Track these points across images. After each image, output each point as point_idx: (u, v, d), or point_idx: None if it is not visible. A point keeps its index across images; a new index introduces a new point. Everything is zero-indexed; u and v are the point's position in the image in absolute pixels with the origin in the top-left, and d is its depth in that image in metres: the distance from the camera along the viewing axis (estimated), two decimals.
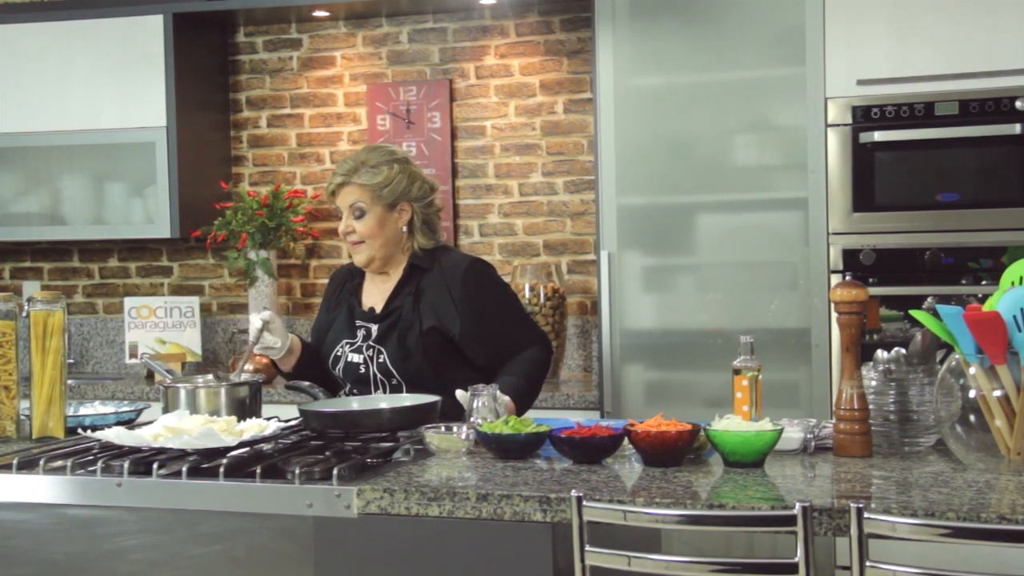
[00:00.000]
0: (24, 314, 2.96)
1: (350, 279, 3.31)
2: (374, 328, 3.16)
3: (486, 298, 3.16)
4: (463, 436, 2.65)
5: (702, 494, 2.24)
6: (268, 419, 2.81)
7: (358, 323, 3.20)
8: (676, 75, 4.08)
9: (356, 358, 3.16)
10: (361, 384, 3.15)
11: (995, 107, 3.72)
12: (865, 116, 3.82)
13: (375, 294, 3.23)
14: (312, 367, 3.22)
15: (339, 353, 3.19)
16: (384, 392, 3.11)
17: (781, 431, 2.48)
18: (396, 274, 3.21)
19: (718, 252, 4.04)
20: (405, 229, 3.19)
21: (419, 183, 3.20)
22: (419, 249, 3.19)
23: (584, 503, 2.15)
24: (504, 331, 3.16)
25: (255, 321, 3.05)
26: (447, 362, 3.10)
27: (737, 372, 2.67)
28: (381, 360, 3.12)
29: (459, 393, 2.86)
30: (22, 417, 2.96)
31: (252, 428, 2.69)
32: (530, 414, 3.00)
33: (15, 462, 2.55)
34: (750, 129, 4.03)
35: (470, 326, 3.10)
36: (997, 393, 2.35)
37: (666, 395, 4.07)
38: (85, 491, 2.49)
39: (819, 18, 3.84)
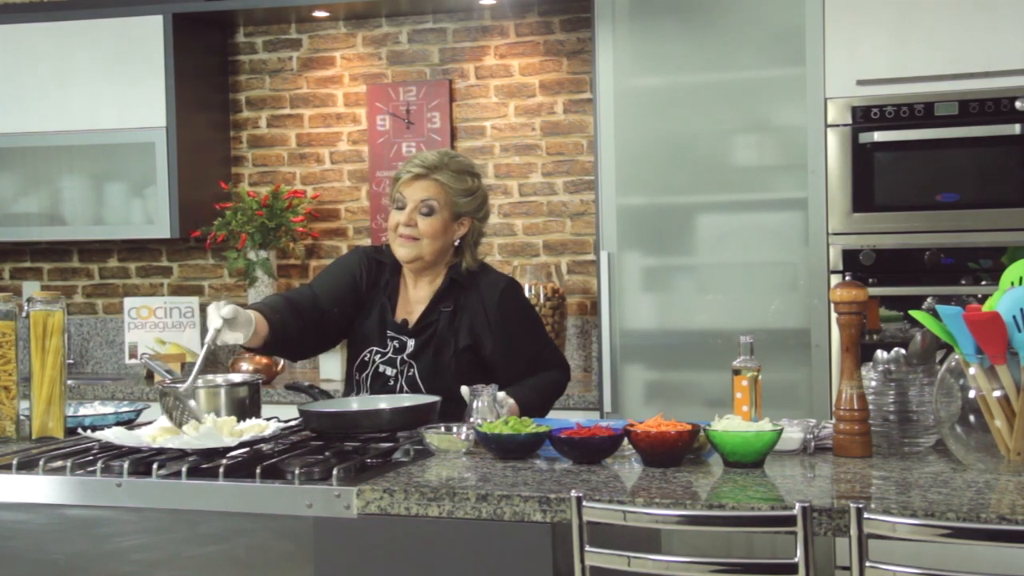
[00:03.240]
0: (24, 314, 2.96)
1: (380, 272, 3.19)
2: (410, 342, 3.10)
3: (518, 318, 3.16)
4: (463, 436, 2.65)
5: (702, 494, 2.24)
6: (268, 419, 2.81)
7: (390, 334, 3.13)
8: (676, 75, 4.08)
9: (388, 371, 3.11)
10: (386, 394, 3.11)
11: (995, 107, 3.72)
12: (865, 116, 3.82)
13: (408, 303, 3.16)
14: (286, 338, 3.01)
15: (367, 359, 3.14)
16: None
17: (781, 431, 2.47)
18: (431, 286, 3.15)
19: (718, 252, 4.04)
20: (457, 243, 3.16)
21: (487, 205, 3.22)
22: (465, 268, 3.14)
23: (584, 503, 2.15)
24: (531, 352, 3.16)
25: (214, 319, 2.77)
26: (475, 381, 3.05)
27: (737, 372, 2.67)
28: (411, 374, 3.09)
29: (463, 389, 2.85)
30: (22, 417, 2.95)
31: (252, 428, 2.68)
32: None
33: (15, 462, 2.55)
34: (750, 129, 4.02)
35: (501, 344, 3.09)
36: (997, 393, 2.34)
37: (666, 395, 4.07)
38: (85, 491, 2.49)
39: (819, 18, 3.84)
